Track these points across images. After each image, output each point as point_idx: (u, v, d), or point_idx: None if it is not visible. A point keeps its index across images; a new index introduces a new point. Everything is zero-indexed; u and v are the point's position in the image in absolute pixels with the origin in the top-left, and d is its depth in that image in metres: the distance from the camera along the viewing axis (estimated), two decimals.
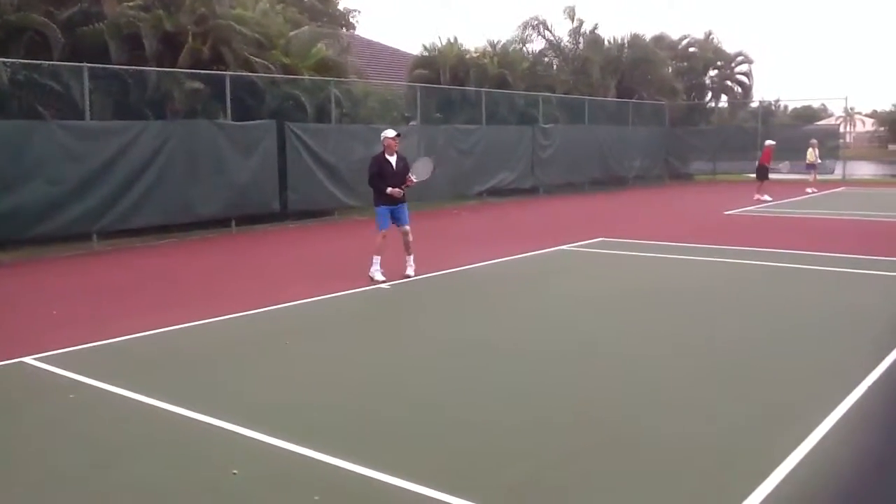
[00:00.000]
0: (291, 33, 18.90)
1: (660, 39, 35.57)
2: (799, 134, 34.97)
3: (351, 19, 31.59)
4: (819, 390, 5.70)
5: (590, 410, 5.36)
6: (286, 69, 17.72)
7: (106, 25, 15.33)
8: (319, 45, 19.30)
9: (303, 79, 17.91)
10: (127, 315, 8.38)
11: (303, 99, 17.50)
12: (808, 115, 64.65)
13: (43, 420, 5.31)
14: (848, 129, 50.82)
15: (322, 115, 18.13)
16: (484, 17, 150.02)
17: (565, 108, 27.43)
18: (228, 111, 15.92)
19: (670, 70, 34.69)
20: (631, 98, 30.91)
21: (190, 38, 15.82)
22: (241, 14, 17.17)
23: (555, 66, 30.44)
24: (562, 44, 30.72)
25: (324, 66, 18.67)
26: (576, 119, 27.21)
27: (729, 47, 39.49)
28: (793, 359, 6.52)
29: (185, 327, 7.80)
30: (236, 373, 6.32)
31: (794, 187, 25.15)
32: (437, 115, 23.38)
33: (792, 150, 26.55)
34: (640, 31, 41.31)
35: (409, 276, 10.17)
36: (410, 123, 21.67)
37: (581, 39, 30.61)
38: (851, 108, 65.99)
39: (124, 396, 5.66)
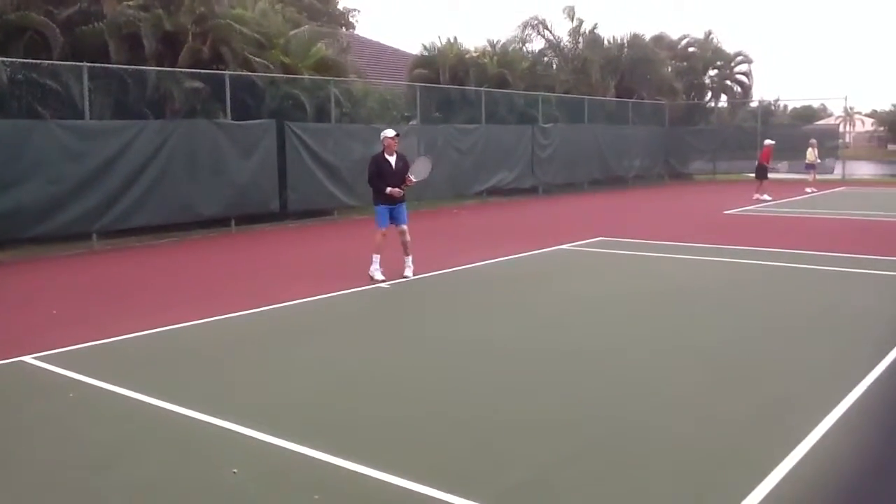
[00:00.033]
0: (291, 33, 18.91)
1: (659, 39, 35.59)
2: (798, 134, 35.02)
3: (350, 19, 31.68)
4: (819, 390, 5.70)
5: (589, 410, 5.37)
6: (286, 69, 17.72)
7: (105, 25, 15.35)
8: (319, 44, 19.30)
9: (302, 78, 17.91)
10: (126, 314, 8.38)
11: (302, 98, 17.49)
12: (807, 115, 64.76)
13: (42, 419, 5.31)
14: (847, 128, 50.80)
15: (322, 115, 18.12)
16: (484, 17, 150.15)
17: (565, 107, 27.41)
18: (228, 111, 15.92)
19: (670, 70, 34.66)
20: (630, 98, 30.91)
21: (189, 38, 15.84)
22: (240, 14, 17.17)
23: (554, 66, 30.44)
24: (561, 43, 30.74)
25: (323, 66, 18.67)
26: (575, 119, 27.19)
27: (729, 47, 39.53)
28: (792, 358, 6.52)
29: (185, 327, 7.80)
30: (236, 372, 6.32)
31: (794, 187, 25.15)
32: (437, 114, 23.38)
33: (791, 149, 26.60)
34: (639, 31, 41.46)
35: (407, 278, 10.18)
36: (410, 123, 21.67)
37: (581, 39, 30.60)
38: (851, 108, 66.06)
39: (124, 395, 5.66)
